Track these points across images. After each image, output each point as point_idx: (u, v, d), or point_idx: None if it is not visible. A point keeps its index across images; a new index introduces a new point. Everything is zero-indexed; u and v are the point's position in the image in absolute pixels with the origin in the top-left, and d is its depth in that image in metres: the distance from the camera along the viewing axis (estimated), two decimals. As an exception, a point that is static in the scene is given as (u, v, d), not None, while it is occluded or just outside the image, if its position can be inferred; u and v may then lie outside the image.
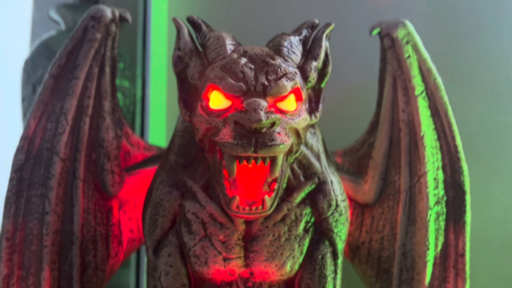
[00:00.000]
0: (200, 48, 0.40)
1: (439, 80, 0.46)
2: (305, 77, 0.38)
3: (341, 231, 0.43)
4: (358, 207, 0.50)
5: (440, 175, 0.47)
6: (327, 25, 0.41)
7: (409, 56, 0.46)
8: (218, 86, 0.35)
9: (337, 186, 0.43)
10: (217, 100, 0.36)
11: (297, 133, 0.37)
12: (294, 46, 0.38)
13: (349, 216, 0.45)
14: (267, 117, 0.33)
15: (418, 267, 0.47)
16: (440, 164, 0.47)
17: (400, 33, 0.46)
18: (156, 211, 0.42)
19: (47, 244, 0.45)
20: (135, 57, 0.76)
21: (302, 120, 0.37)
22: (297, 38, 0.39)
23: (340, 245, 0.43)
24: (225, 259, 0.41)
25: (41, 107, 0.45)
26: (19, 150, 0.45)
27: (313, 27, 0.41)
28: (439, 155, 0.47)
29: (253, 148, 0.32)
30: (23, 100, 0.72)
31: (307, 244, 0.42)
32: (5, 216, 0.44)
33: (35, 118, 0.45)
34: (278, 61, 0.36)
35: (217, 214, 0.40)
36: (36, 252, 0.45)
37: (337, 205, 0.42)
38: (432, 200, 0.46)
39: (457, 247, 0.46)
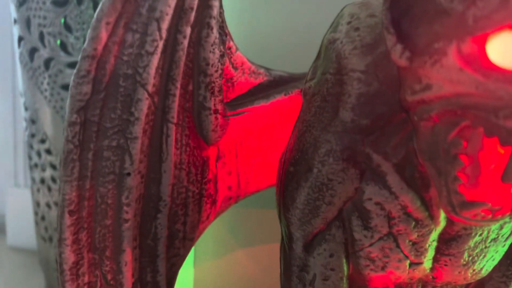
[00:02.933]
0: None
1: None
2: None
3: (550, 222, 0.32)
4: None
5: None
6: None
7: None
8: None
9: None
10: None
11: None
12: None
13: None
14: None
15: None
16: None
17: None
18: (319, 195, 0.28)
19: (129, 217, 0.30)
20: None
21: None
22: None
23: (543, 240, 0.32)
24: (411, 264, 0.29)
25: (117, 6, 0.27)
26: (82, 77, 0.27)
27: None
28: None
29: None
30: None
31: (510, 242, 0.31)
32: (65, 180, 0.28)
33: (107, 25, 0.27)
34: None
35: (414, 207, 0.27)
36: (113, 228, 0.30)
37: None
38: None
39: None
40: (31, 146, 0.53)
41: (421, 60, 0.23)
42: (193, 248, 0.60)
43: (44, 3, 0.47)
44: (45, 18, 0.48)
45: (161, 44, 0.28)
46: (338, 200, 0.28)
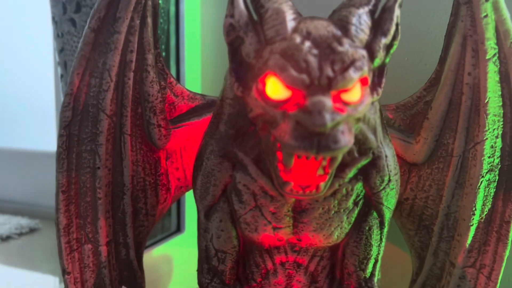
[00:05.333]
0: (254, 16, 0.36)
1: (517, 43, 0.41)
2: (372, 57, 0.34)
3: (391, 203, 0.43)
4: (406, 165, 0.49)
5: (498, 143, 0.44)
6: None
7: (486, 16, 0.40)
8: (280, 77, 0.32)
9: (391, 160, 0.41)
10: (276, 89, 0.33)
11: (358, 120, 0.35)
12: (363, 22, 0.34)
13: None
14: (332, 118, 0.30)
15: (460, 229, 0.47)
16: (500, 132, 0.44)
17: (481, -11, 0.40)
18: (207, 180, 0.42)
19: (101, 196, 0.46)
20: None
21: (365, 106, 0.34)
22: (366, 9, 0.34)
23: (388, 215, 0.43)
24: (274, 228, 0.42)
25: (83, 63, 0.43)
26: (65, 106, 0.44)
27: None
28: (501, 123, 0.44)
29: (315, 150, 0.31)
30: (53, 18, 0.68)
31: (355, 216, 0.42)
32: (58, 171, 0.45)
33: (78, 75, 0.43)
34: (346, 46, 0.32)
35: (268, 188, 0.40)
36: (91, 203, 0.46)
37: (389, 180, 0.41)
38: (485, 168, 0.45)
39: (504, 214, 0.46)
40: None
41: (246, 93, 0.37)
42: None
43: (74, 51, 0.66)
44: (74, 61, 0.66)
45: (112, 84, 0.44)
46: (220, 183, 0.42)
